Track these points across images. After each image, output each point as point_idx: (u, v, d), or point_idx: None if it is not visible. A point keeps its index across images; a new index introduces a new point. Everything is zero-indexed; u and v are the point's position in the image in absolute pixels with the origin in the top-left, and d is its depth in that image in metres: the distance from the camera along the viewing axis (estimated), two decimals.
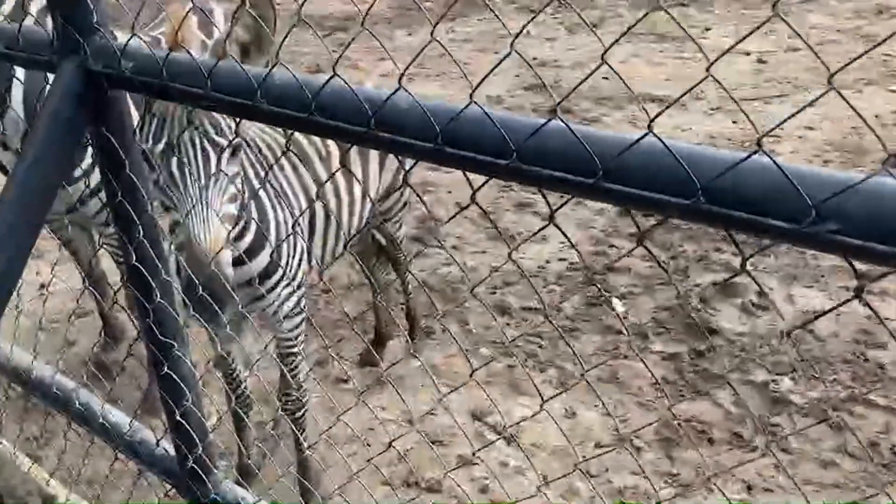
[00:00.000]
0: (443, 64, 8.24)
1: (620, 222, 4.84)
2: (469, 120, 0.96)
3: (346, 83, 1.06)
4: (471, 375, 1.45)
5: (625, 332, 3.78)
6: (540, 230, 1.26)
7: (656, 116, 0.87)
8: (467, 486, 2.95)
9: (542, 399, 1.29)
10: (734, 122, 6.19)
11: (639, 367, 3.55)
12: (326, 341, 3.87)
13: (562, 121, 0.92)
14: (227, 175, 1.87)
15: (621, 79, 1.00)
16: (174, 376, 1.65)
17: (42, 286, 4.09)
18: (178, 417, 1.68)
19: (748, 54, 7.54)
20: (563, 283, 4.22)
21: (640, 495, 2.94)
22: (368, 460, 1.91)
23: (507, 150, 0.93)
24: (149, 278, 1.53)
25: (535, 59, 8.20)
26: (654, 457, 3.07)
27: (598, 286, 4.16)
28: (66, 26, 1.35)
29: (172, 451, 1.83)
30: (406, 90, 1.01)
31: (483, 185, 1.08)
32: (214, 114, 1.85)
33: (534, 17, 1.11)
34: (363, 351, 3.76)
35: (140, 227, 1.49)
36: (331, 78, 1.07)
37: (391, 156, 2.96)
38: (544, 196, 1.03)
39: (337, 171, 1.65)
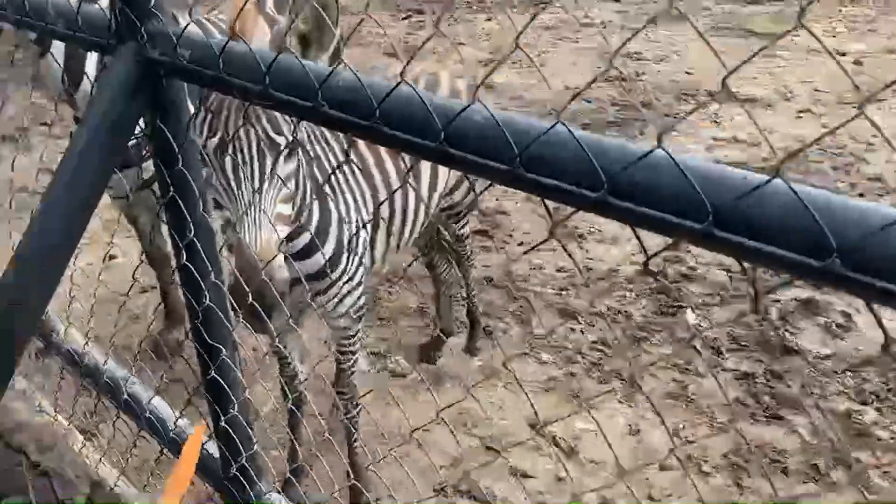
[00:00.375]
0: (518, 51, 8.04)
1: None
2: (552, 142, 0.83)
3: (415, 89, 0.94)
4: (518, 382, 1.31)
5: (697, 345, 3.58)
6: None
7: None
8: (520, 498, 2.83)
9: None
10: (824, 127, 5.84)
11: (710, 384, 3.36)
12: (386, 333, 3.79)
13: (666, 152, 0.77)
14: (281, 176, 1.77)
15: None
16: (221, 381, 1.57)
17: (110, 257, 4.11)
18: (223, 423, 1.60)
19: (844, 55, 7.13)
20: (633, 289, 4.03)
21: None
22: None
23: (598, 181, 0.80)
24: (199, 279, 1.45)
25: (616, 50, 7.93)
26: (721, 483, 2.88)
27: (671, 294, 3.96)
28: (124, 9, 1.27)
29: (217, 453, 1.76)
30: (482, 103, 0.89)
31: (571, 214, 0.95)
32: (274, 111, 1.76)
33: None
34: (421, 346, 3.66)
35: (192, 225, 1.40)
36: (398, 84, 0.95)
37: None
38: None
39: (408, 171, 1.53)
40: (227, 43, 1.14)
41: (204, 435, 1.71)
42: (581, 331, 3.73)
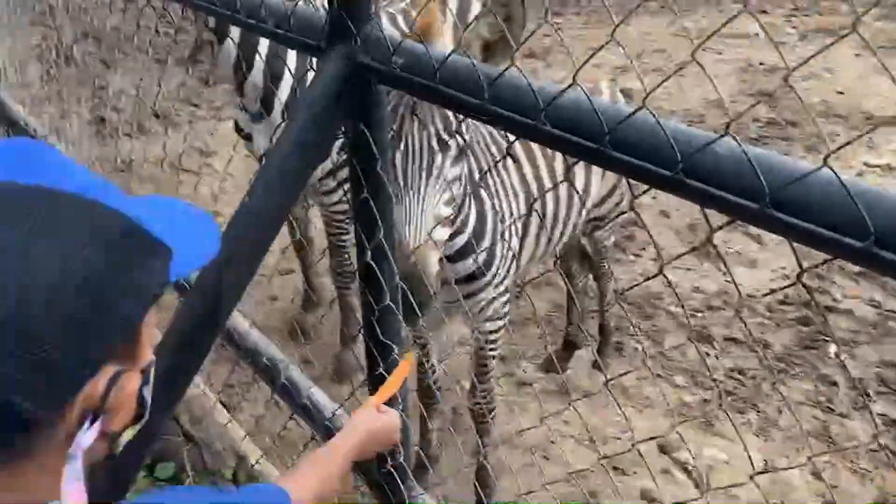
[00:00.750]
0: (661, 59, 7.87)
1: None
2: (718, 153, 0.83)
3: (654, 115, 0.92)
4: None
5: (841, 384, 3.40)
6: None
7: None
8: None
9: (744, 445, 1.13)
10: None
11: (855, 427, 3.18)
12: (513, 339, 3.79)
13: (833, 172, 0.73)
14: (447, 178, 1.79)
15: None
16: (387, 377, 1.60)
17: None
18: None
19: None
20: (773, 318, 3.86)
21: None
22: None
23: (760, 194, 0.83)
24: (381, 280, 1.48)
25: (761, 64, 7.62)
26: None
27: (813, 326, 3.77)
28: (342, 14, 1.31)
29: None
30: (649, 110, 0.88)
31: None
32: (448, 112, 1.78)
33: None
34: (548, 355, 3.64)
35: (382, 228, 1.44)
36: (638, 109, 0.93)
37: None
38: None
39: (562, 181, 1.51)
40: (449, 55, 1.16)
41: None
42: (716, 356, 3.61)
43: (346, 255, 3.27)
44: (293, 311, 3.83)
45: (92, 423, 0.68)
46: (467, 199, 2.07)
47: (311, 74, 2.81)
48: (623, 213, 3.01)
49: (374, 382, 1.63)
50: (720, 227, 0.97)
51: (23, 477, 0.66)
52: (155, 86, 6.12)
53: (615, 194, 2.89)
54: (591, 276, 3.54)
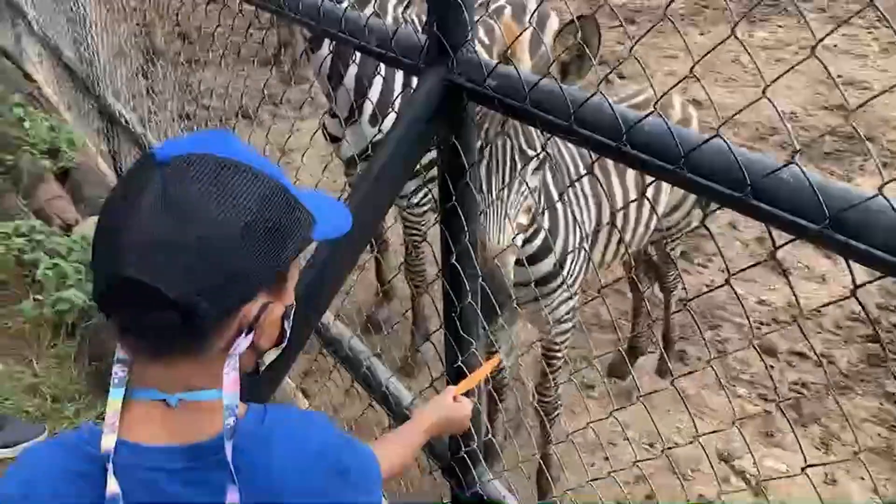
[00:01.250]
0: (733, 68, 7.82)
1: None
2: (784, 178, 0.93)
3: (726, 141, 1.03)
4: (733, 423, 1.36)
5: None
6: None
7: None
8: None
9: (805, 457, 1.19)
10: None
11: None
12: (578, 343, 3.87)
13: (886, 200, 0.82)
14: (528, 187, 1.92)
15: None
16: (465, 371, 1.73)
17: None
18: None
19: None
20: (840, 334, 3.86)
21: None
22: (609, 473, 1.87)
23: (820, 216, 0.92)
24: (464, 279, 1.61)
25: (839, 76, 7.50)
26: None
27: (883, 344, 3.75)
28: (441, 37, 1.44)
29: (445, 437, 1.93)
30: (723, 139, 0.99)
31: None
32: (531, 128, 1.92)
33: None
34: (613, 360, 3.72)
35: (467, 233, 1.57)
36: (712, 137, 1.04)
37: None
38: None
39: (635, 200, 1.61)
40: (539, 80, 1.28)
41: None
42: (780, 370, 3.63)
43: (422, 255, 3.42)
44: (366, 308, 4.00)
45: (247, 335, 0.90)
46: (544, 204, 2.20)
47: (398, 83, 2.99)
48: (694, 227, 3.07)
49: (452, 375, 1.76)
50: (784, 244, 1.06)
51: (198, 362, 0.89)
52: (240, 84, 6.40)
53: (684, 206, 2.96)
54: (656, 285, 3.61)
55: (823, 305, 1.42)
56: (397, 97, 2.96)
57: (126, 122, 3.99)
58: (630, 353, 3.69)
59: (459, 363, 1.74)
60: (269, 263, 0.89)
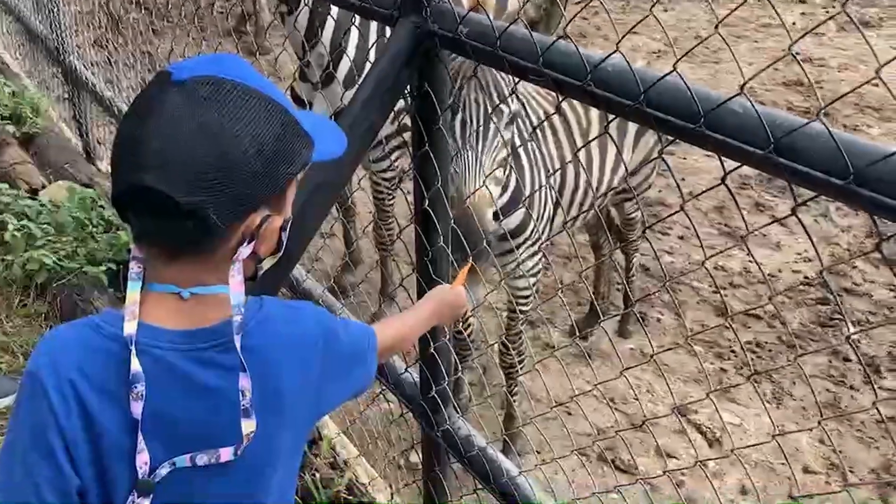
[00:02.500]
0: (694, 44, 7.94)
1: (868, 243, 4.51)
2: (809, 135, 0.99)
3: (682, 78, 1.11)
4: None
5: (855, 359, 3.56)
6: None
7: None
8: (662, 477, 2.96)
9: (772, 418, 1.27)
10: None
11: (864, 399, 3.35)
12: (540, 305, 3.98)
13: None
14: (503, 139, 2.00)
15: None
16: None
17: None
18: (432, 350, 1.85)
19: None
20: (792, 296, 4.03)
21: None
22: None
23: (845, 172, 0.95)
24: (436, 223, 1.69)
25: (797, 53, 7.67)
26: (866, 496, 2.90)
27: (833, 306, 3.92)
28: None
29: (415, 379, 2.02)
30: (748, 97, 1.05)
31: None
32: (501, 82, 2.00)
33: None
34: (574, 322, 3.83)
35: (439, 178, 1.64)
36: (668, 74, 1.12)
37: (646, 134, 2.96)
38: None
39: (601, 134, 1.67)
40: (509, 25, 1.35)
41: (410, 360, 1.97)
42: (735, 330, 3.78)
43: (390, 219, 3.49)
44: (334, 273, 4.05)
45: (249, 243, 0.99)
46: (509, 162, 2.28)
47: (373, 50, 3.04)
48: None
49: None
50: (812, 198, 1.15)
51: (207, 265, 0.99)
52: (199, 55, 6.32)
53: (643, 171, 3.06)
54: (618, 250, 3.72)
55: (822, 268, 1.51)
56: (370, 54, 3.03)
57: (93, 86, 3.97)
58: (591, 315, 3.80)
59: None
60: (274, 181, 0.97)
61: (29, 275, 3.13)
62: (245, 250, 0.99)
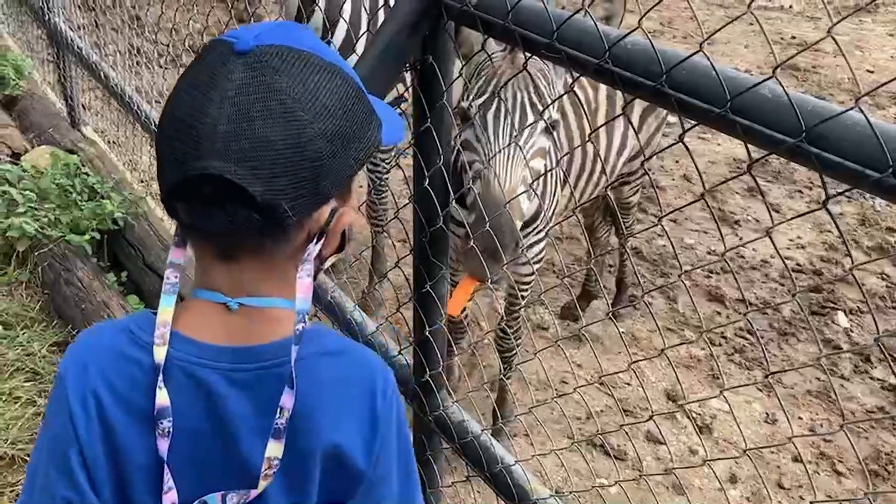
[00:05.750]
0: (690, 25, 7.90)
1: (860, 231, 4.49)
2: (845, 123, 0.93)
3: (709, 59, 1.05)
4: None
5: (845, 348, 3.55)
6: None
7: None
8: (652, 462, 2.95)
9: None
10: None
11: (854, 389, 3.34)
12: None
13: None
14: (539, 144, 1.97)
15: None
16: (433, 295, 1.75)
17: None
18: (426, 333, 1.80)
19: None
20: (785, 284, 4.00)
21: None
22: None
23: (882, 163, 0.90)
24: (436, 203, 1.63)
25: (793, 37, 7.64)
26: (854, 486, 2.90)
27: (825, 294, 3.91)
28: None
29: (408, 361, 1.96)
30: (781, 84, 0.99)
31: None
32: (542, 84, 1.96)
33: None
34: (566, 304, 3.79)
35: (441, 155, 1.58)
36: (694, 53, 1.06)
37: (650, 118, 2.90)
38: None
39: (618, 116, 1.63)
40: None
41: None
42: (727, 316, 3.76)
43: (384, 194, 3.42)
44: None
45: (317, 241, 0.88)
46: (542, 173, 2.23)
47: (364, 16, 2.96)
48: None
49: (422, 300, 1.79)
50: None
51: (264, 267, 0.88)
52: (190, 20, 6.21)
53: (647, 150, 3.01)
54: (612, 232, 3.67)
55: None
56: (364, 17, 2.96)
57: (79, 49, 3.85)
58: (583, 297, 3.77)
59: (428, 288, 1.76)
60: (347, 165, 0.86)
61: (10, 242, 3.04)
62: (314, 248, 0.87)
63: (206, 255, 0.89)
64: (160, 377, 0.84)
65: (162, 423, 0.85)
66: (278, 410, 0.85)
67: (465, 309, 2.83)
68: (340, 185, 0.87)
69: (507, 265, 1.98)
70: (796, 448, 2.87)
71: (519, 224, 2.00)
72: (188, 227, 0.87)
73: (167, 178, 0.83)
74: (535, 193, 2.19)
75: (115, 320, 0.93)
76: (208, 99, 0.80)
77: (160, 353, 0.85)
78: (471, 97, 1.95)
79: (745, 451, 1.24)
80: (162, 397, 0.84)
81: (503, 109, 1.93)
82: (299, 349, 0.85)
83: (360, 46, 2.88)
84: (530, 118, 1.94)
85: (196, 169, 0.79)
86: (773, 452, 3.00)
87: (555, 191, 2.46)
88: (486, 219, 1.78)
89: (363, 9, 2.98)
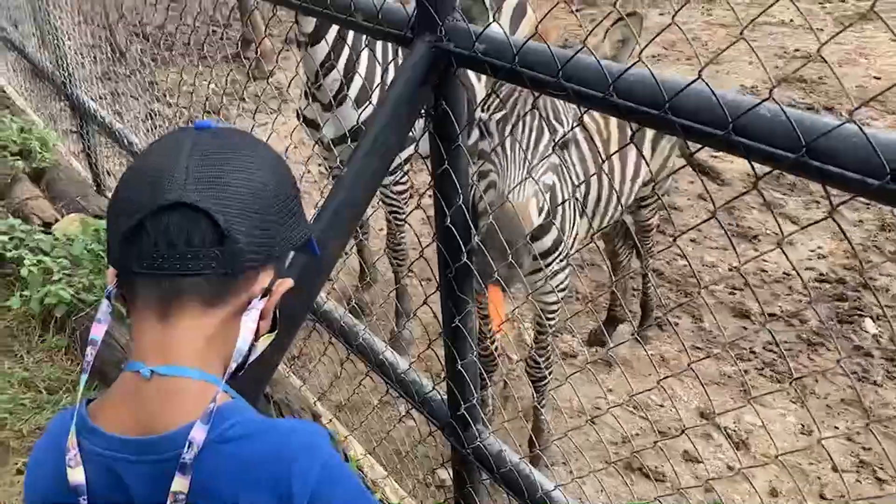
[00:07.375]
0: (696, 47, 7.97)
1: (881, 237, 4.49)
2: (842, 136, 0.99)
3: (708, 84, 1.11)
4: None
5: (876, 356, 3.54)
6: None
7: None
8: (690, 481, 2.94)
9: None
10: None
11: (889, 396, 3.33)
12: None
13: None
14: (552, 160, 2.03)
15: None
16: (463, 329, 1.80)
17: None
18: (458, 367, 1.84)
19: None
20: (809, 295, 4.00)
21: None
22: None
23: (879, 172, 0.95)
24: (459, 241, 1.69)
25: (796, 50, 7.70)
26: None
27: (848, 301, 3.90)
28: (428, 7, 1.51)
29: (443, 396, 2.01)
30: (776, 101, 1.05)
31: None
32: (559, 108, 2.03)
33: None
34: (593, 330, 3.82)
35: (460, 195, 1.64)
36: (693, 81, 1.12)
37: (662, 141, 2.96)
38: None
39: (626, 145, 1.67)
40: (526, 41, 1.36)
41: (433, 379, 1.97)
42: (755, 331, 3.77)
43: (403, 236, 3.49)
44: (350, 291, 4.05)
45: (261, 298, 0.95)
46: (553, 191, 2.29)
47: (378, 70, 3.08)
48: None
49: (451, 334, 1.84)
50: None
51: (199, 325, 0.91)
52: (203, 82, 6.39)
53: (662, 174, 3.06)
54: (633, 256, 3.71)
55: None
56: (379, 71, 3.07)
57: (101, 119, 4.00)
58: (609, 322, 3.79)
59: (457, 323, 1.81)
60: (287, 233, 0.97)
61: (48, 309, 3.14)
62: (260, 304, 0.93)
63: (146, 319, 0.91)
64: (83, 499, 0.88)
65: (80, 501, 0.88)
66: (170, 495, 0.85)
67: (495, 340, 2.88)
68: (284, 249, 0.98)
69: (521, 267, 2.01)
70: (830, 457, 2.86)
71: (529, 229, 2.05)
72: (138, 281, 0.90)
73: (122, 221, 0.88)
74: (546, 201, 2.23)
75: (62, 421, 0.95)
76: (175, 154, 0.91)
77: (76, 475, 0.88)
78: (490, 110, 2.03)
79: (776, 456, 1.27)
80: (76, 475, 0.88)
81: (520, 126, 1.99)
82: (208, 430, 0.86)
83: (374, 97, 2.98)
84: (546, 134, 2.00)
85: (169, 200, 0.87)
86: (812, 464, 2.99)
87: (574, 221, 2.51)
88: (496, 223, 1.82)
89: (377, 63, 3.09)
